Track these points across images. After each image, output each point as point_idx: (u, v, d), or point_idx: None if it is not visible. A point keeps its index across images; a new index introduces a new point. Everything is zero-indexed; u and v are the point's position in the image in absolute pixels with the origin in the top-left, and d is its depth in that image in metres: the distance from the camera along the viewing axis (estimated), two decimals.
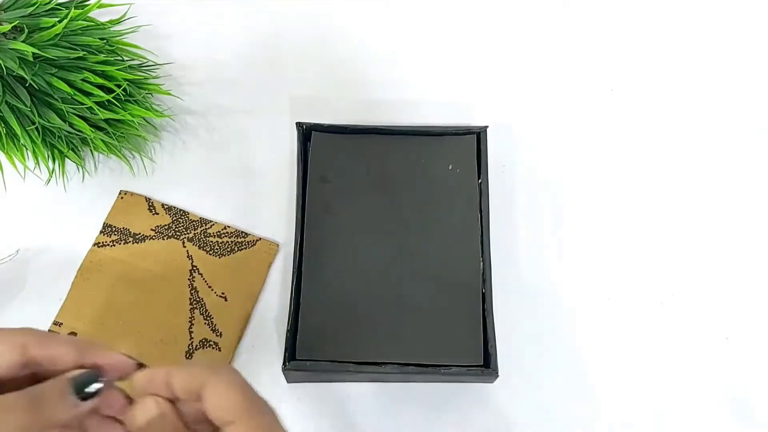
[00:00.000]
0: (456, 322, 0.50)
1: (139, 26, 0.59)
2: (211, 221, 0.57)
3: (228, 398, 0.31)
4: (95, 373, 0.32)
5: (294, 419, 0.50)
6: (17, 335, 0.31)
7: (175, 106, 0.62)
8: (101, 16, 0.56)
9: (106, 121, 0.54)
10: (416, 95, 0.63)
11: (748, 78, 0.65)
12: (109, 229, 0.56)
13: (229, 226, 0.57)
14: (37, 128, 0.51)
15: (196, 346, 0.52)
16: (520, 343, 0.53)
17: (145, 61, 0.58)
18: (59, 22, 0.49)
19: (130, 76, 0.54)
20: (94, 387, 0.32)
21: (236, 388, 0.31)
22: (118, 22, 0.56)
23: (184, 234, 0.56)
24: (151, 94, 0.58)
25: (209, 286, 0.54)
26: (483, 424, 0.51)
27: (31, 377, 0.32)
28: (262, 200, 0.58)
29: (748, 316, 0.54)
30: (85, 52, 0.51)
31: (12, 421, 0.29)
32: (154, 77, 0.59)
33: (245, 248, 0.56)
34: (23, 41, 0.48)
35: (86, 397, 0.31)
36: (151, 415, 0.32)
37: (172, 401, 0.32)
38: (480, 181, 0.55)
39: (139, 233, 0.56)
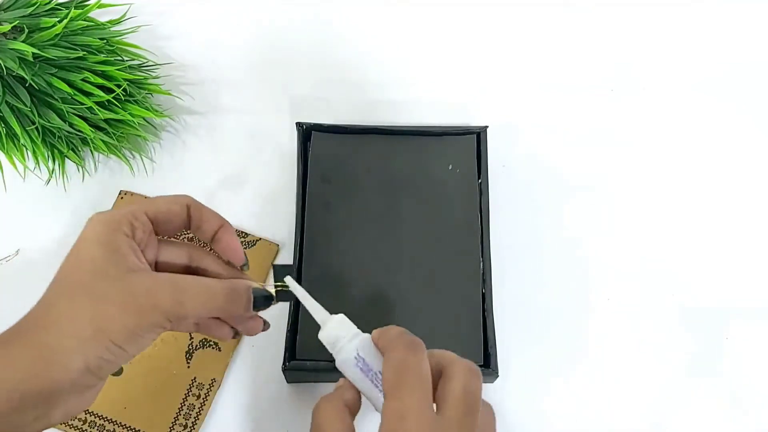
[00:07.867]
0: (456, 322, 0.50)
1: (139, 26, 0.59)
2: None
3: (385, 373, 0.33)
4: (271, 295, 0.39)
5: (294, 419, 0.50)
6: (183, 198, 0.39)
7: (175, 106, 0.62)
8: (101, 16, 0.56)
9: (106, 121, 0.54)
10: (416, 95, 0.63)
11: (748, 77, 0.65)
12: None
13: None
14: (37, 128, 0.51)
15: (196, 346, 0.52)
16: (520, 343, 0.53)
17: (145, 61, 0.58)
18: (59, 22, 0.49)
19: (130, 76, 0.54)
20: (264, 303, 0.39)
21: (390, 365, 0.33)
22: (118, 22, 0.56)
23: (184, 234, 0.56)
24: (151, 94, 0.58)
25: None
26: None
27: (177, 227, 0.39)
28: (262, 200, 0.58)
29: (748, 316, 0.54)
30: (85, 52, 0.51)
31: (213, 303, 0.36)
32: (154, 77, 0.59)
33: (245, 248, 0.56)
34: (23, 41, 0.48)
35: (256, 307, 0.39)
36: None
37: None
38: (480, 181, 0.55)
39: None
